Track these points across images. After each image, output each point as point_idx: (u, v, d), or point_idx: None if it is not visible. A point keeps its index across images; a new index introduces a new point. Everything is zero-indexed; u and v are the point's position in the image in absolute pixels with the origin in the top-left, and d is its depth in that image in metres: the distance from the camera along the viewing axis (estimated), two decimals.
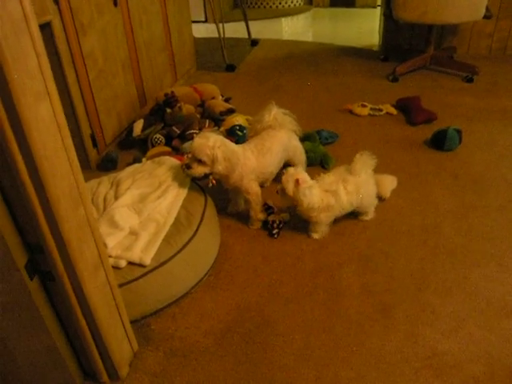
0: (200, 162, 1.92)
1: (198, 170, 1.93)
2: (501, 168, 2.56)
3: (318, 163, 2.61)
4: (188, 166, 1.93)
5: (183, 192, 1.98)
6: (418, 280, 1.83)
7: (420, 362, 1.51)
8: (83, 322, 1.34)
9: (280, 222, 2.08)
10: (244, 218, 2.21)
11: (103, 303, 1.37)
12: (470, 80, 3.77)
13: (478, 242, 2.01)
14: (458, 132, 2.73)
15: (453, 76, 3.91)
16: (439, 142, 2.73)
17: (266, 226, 2.12)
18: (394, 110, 3.25)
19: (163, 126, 2.93)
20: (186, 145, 2.71)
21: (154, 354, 1.59)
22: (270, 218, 2.10)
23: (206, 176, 1.98)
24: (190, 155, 1.95)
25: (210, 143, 1.89)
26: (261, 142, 2.12)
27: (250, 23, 5.13)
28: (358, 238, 2.07)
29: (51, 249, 1.18)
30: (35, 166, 1.04)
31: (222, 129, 2.91)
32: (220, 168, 1.92)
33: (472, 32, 4.34)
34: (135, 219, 1.85)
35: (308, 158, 2.46)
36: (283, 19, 6.55)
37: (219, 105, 3.02)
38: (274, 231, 2.06)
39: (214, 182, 2.02)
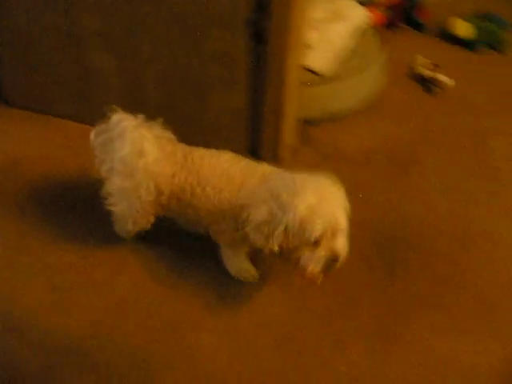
0: None
1: None
2: None
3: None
4: None
5: (361, 24, 2.03)
6: None
7: None
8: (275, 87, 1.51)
9: (441, 82, 2.09)
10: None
11: (292, 81, 1.52)
12: None
13: None
14: None
15: None
16: None
17: (425, 80, 2.14)
18: None
19: None
20: None
21: (310, 152, 1.76)
22: (434, 75, 2.10)
23: None
24: None
25: None
26: None
27: None
28: None
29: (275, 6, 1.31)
30: None
31: None
32: None
33: None
34: (314, 35, 1.93)
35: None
36: None
37: None
38: (433, 88, 2.08)
39: None
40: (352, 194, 1.13)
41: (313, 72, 1.80)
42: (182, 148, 1.27)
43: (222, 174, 1.19)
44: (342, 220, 1.04)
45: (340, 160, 1.74)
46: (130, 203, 1.23)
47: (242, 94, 1.55)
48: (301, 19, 1.41)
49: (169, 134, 1.23)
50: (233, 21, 1.39)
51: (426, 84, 2.12)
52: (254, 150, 1.70)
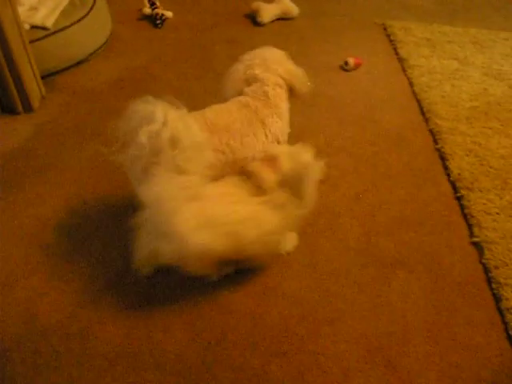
0: None
1: None
2: None
3: None
4: None
5: None
6: None
7: None
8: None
9: (163, 15, 2.46)
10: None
11: (15, 38, 1.71)
12: None
13: (327, 36, 2.56)
14: None
15: None
16: None
17: (151, 18, 2.50)
18: None
19: None
20: None
21: (59, 95, 1.99)
22: (155, 12, 2.46)
23: None
24: None
25: None
26: None
27: None
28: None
29: None
30: None
31: None
32: None
33: None
34: None
35: None
36: None
37: None
38: (158, 21, 2.45)
39: None
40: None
41: (43, 28, 2.01)
42: (194, 114, 1.27)
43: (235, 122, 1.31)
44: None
45: (89, 94, 2.01)
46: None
47: None
48: None
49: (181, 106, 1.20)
50: None
51: (152, 20, 2.48)
52: (9, 108, 1.88)
